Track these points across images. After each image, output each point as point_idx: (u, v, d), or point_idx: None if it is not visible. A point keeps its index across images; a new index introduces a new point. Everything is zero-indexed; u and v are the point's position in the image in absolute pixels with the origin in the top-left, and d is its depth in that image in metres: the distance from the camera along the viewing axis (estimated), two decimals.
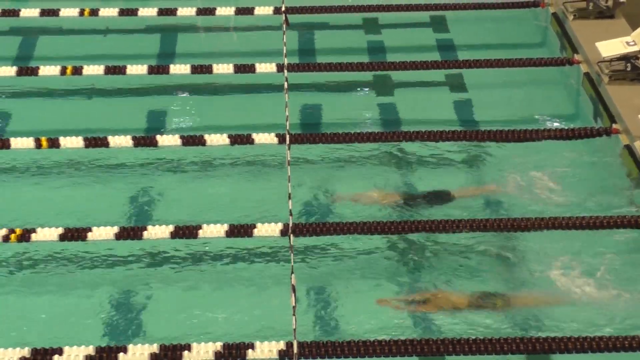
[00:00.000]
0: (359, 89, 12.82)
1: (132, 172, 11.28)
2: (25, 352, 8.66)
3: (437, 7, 13.88)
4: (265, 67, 12.35)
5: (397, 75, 12.91)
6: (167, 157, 11.43)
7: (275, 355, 8.65)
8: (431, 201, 10.71)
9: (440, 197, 10.76)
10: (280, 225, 9.95)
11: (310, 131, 11.77)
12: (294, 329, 7.84)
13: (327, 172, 11.28)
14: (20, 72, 12.36)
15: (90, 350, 8.68)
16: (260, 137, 11.17)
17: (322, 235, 10.05)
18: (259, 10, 13.44)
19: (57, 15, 13.32)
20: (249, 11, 13.49)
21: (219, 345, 8.72)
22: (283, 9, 12.83)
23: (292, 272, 8.17)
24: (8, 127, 12.02)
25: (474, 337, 8.79)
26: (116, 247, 10.05)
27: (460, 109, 12.43)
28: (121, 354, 8.66)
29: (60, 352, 8.66)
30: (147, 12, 13.43)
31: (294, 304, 7.94)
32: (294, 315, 7.87)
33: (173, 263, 10.02)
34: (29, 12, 13.34)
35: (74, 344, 8.74)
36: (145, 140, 11.24)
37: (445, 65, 12.88)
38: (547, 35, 13.67)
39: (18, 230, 9.90)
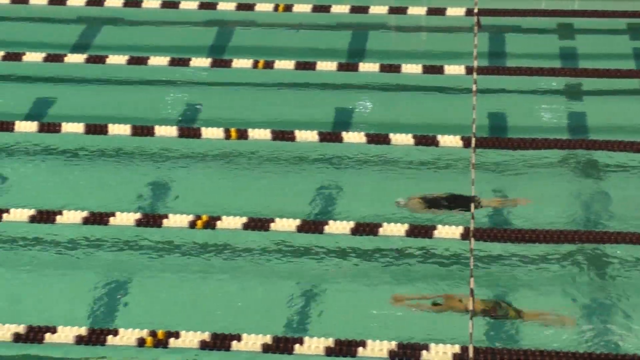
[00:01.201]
0: (548, 94, 12.60)
1: (316, 166, 11.41)
2: (206, 336, 8.89)
3: (635, 14, 13.49)
4: (454, 69, 12.29)
5: (588, 83, 12.63)
6: (351, 153, 11.51)
7: (449, 358, 8.59)
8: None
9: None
10: (461, 229, 9.89)
11: (496, 135, 11.65)
12: (470, 333, 7.79)
13: (512, 177, 11.13)
14: (214, 64, 12.69)
15: (268, 339, 8.84)
16: (445, 140, 11.12)
17: (503, 242, 9.94)
18: (451, 11, 13.38)
19: (253, 9, 13.60)
20: (440, 12, 13.44)
21: (393, 344, 8.73)
22: (476, 10, 12.71)
23: (471, 276, 8.11)
24: (199, 116, 12.35)
25: None
26: (297, 239, 10.19)
27: None
28: (297, 345, 8.79)
29: (238, 338, 8.85)
30: (340, 9, 13.56)
31: (471, 308, 7.89)
32: (471, 319, 7.83)
33: (352, 259, 10.08)
34: (226, 6, 13.66)
35: (253, 332, 8.92)
36: (330, 136, 11.36)
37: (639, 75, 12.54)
38: None
39: (204, 217, 10.15)
